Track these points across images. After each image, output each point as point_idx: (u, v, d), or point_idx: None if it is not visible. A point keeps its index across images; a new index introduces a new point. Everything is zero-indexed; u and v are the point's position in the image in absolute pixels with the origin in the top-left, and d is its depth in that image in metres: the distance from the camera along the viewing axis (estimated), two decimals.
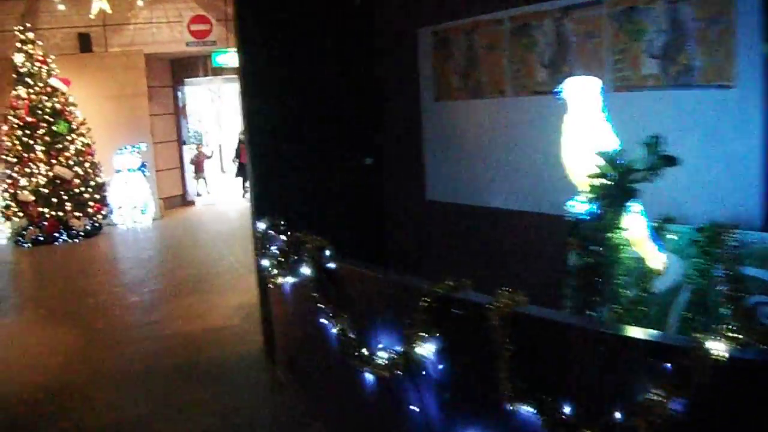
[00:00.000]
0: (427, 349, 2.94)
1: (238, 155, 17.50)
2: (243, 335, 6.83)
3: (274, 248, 4.79)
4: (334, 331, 3.74)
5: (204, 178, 17.98)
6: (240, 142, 17.33)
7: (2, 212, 13.23)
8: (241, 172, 17.16)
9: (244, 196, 16.64)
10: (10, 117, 13.20)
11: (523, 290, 2.60)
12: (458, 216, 6.15)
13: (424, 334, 2.92)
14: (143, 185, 14.45)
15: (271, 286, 5.09)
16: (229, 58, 16.38)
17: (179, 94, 17.35)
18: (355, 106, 6.44)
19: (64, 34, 15.15)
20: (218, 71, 17.06)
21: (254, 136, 5.92)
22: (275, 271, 4.69)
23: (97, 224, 13.79)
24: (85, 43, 15.17)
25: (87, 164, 13.57)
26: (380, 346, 3.40)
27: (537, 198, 5.25)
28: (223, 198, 17.79)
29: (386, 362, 3.24)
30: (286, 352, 5.40)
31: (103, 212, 13.83)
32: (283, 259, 4.52)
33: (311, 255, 4.01)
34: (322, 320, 3.87)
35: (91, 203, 13.47)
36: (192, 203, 17.32)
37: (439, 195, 6.42)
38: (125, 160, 14.30)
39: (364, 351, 3.47)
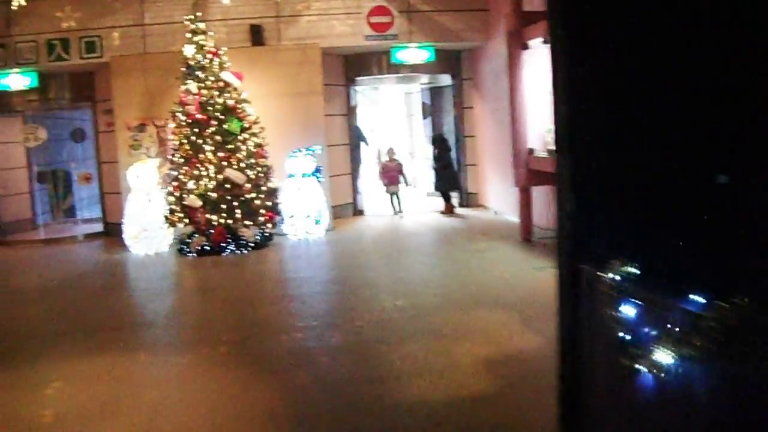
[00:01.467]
0: None
1: (437, 159, 14.97)
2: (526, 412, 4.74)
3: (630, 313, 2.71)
4: None
5: (397, 194, 15.13)
6: (436, 146, 15.17)
7: (166, 217, 11.98)
8: (442, 183, 15.00)
9: (444, 212, 14.86)
10: (178, 113, 11.99)
11: None
12: None
13: None
14: (317, 192, 12.89)
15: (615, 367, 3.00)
16: (411, 54, 14.75)
17: (351, 93, 15.74)
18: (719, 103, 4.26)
19: (234, 26, 13.91)
20: (395, 69, 15.36)
21: (573, 143, 3.81)
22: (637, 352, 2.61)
23: (266, 234, 12.33)
24: (257, 36, 13.86)
25: (259, 167, 12.12)
26: None
27: None
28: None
29: None
30: None
31: (275, 221, 12.30)
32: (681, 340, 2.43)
33: None
34: None
35: (262, 211, 11.97)
36: (361, 213, 15.65)
37: None
38: (299, 163, 12.80)
39: None
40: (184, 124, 11.94)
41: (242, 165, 11.86)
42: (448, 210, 14.80)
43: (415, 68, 15.42)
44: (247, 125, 12.12)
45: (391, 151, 15.45)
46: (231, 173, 11.66)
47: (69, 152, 17.27)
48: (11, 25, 13.57)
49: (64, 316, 8.32)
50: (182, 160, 11.92)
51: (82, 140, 16.66)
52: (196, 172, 11.76)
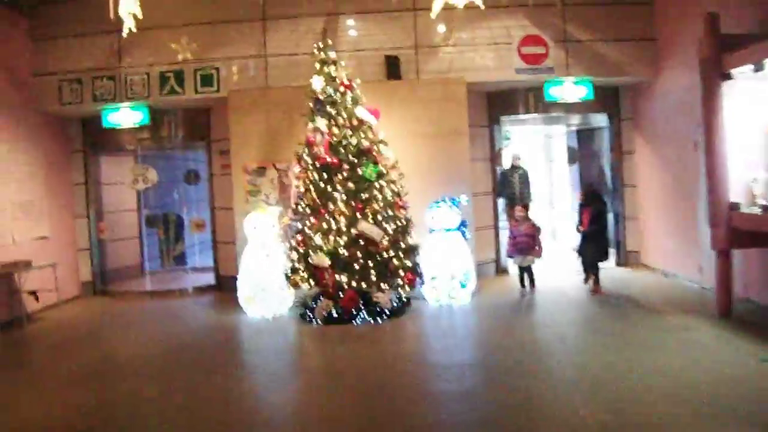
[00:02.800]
0: None
1: (591, 221, 10.96)
2: None
3: None
4: None
5: (529, 269, 11.65)
6: (588, 202, 11.25)
7: (287, 276, 10.22)
8: (593, 252, 11.12)
9: (586, 282, 11.37)
10: (304, 156, 10.26)
11: None
12: None
13: None
14: (463, 250, 10.88)
15: None
16: (566, 90, 12.67)
17: (496, 134, 13.74)
18: None
19: (366, 57, 12.22)
20: (545, 107, 13.30)
21: None
22: None
23: (404, 299, 10.38)
24: (392, 68, 12.11)
25: (398, 221, 10.22)
26: None
27: None
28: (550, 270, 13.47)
29: None
30: None
31: (415, 284, 10.33)
32: None
33: None
34: None
35: (401, 272, 10.04)
36: (506, 272, 13.51)
37: None
38: (442, 216, 10.85)
39: None
40: (310, 168, 10.22)
41: (379, 218, 9.99)
42: (596, 290, 11.04)
43: (569, 107, 13.34)
44: (384, 170, 10.26)
45: (520, 208, 11.89)
46: (366, 227, 9.81)
47: (181, 195, 16.02)
48: (121, 55, 12.29)
49: (161, 404, 6.74)
50: (308, 210, 10.19)
51: (196, 183, 15.33)
52: (324, 225, 9.99)
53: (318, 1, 12.15)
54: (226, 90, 12.22)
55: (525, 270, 11.59)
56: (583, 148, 15.86)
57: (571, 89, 12.85)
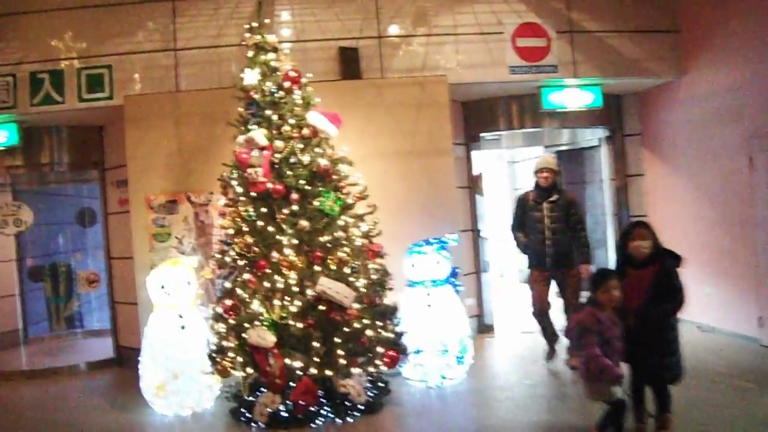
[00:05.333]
0: None
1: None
2: None
3: None
4: None
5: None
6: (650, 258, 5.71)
7: (211, 358, 6.95)
8: (643, 347, 5.56)
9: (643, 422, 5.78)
10: (233, 182, 7.05)
11: None
12: None
13: None
14: (457, 309, 7.83)
15: None
16: (570, 96, 9.79)
17: (472, 155, 10.79)
18: None
19: (315, 49, 9.10)
20: (539, 120, 10.46)
21: None
22: None
23: (382, 383, 7.23)
24: (350, 64, 9.05)
25: (371, 273, 7.05)
26: None
27: None
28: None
29: None
30: None
31: (399, 362, 7.17)
32: None
33: None
34: None
35: (378, 348, 6.86)
36: (490, 329, 10.48)
37: None
38: (427, 264, 7.76)
39: None
40: (242, 199, 7.01)
41: (346, 270, 6.80)
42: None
43: (563, 119, 10.55)
44: (350, 201, 7.13)
45: (614, 283, 7.13)
46: (328, 285, 6.60)
47: (75, 240, 12.78)
48: None
49: None
50: (240, 262, 6.93)
51: (92, 224, 12.00)
52: (265, 284, 6.73)
53: None
54: (121, 96, 8.91)
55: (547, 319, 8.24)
56: (566, 173, 12.95)
57: (574, 95, 10.03)
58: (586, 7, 9.70)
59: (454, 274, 8.01)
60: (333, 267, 6.81)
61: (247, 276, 6.87)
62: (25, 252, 12.19)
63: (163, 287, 7.42)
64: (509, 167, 15.46)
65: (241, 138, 7.12)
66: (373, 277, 7.11)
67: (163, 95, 8.92)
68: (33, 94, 8.96)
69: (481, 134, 10.86)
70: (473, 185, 10.75)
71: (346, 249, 6.94)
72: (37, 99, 8.98)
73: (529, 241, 8.26)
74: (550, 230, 8.07)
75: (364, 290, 6.91)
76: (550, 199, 8.12)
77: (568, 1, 9.67)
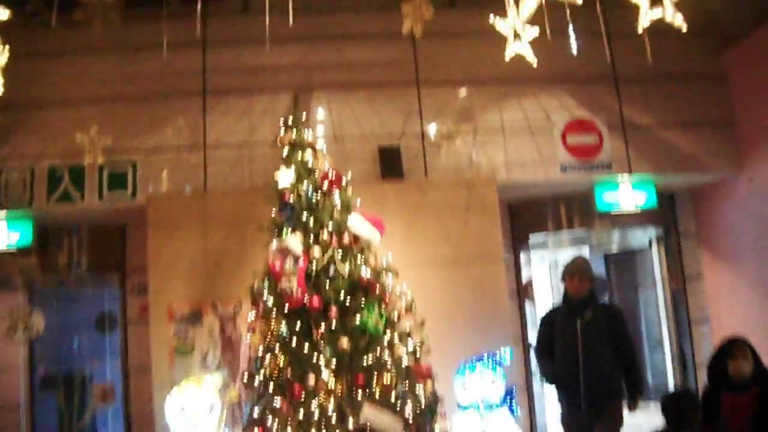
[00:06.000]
0: None
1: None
2: None
3: None
4: None
5: None
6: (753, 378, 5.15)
7: None
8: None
9: None
10: (265, 294, 6.33)
11: None
12: None
13: None
14: None
15: None
16: (625, 196, 9.14)
17: (522, 260, 10.07)
18: None
19: (352, 148, 8.52)
20: (590, 220, 9.76)
21: None
22: None
23: None
24: (390, 163, 8.42)
25: (420, 398, 6.22)
26: None
27: None
28: None
29: None
30: None
31: None
32: None
33: None
34: None
35: None
36: None
37: None
38: (480, 384, 6.90)
39: None
40: (275, 313, 6.23)
41: (392, 397, 5.97)
42: None
43: (615, 220, 9.84)
44: (394, 317, 6.36)
45: None
46: (373, 416, 5.75)
47: (92, 346, 11.64)
48: None
49: None
50: (271, 385, 6.10)
51: (112, 331, 11.31)
52: (301, 410, 5.87)
53: (282, 69, 8.52)
54: (145, 195, 8.33)
55: None
56: (616, 278, 12.19)
57: (629, 194, 9.36)
58: (635, 101, 9.12)
59: (510, 395, 7.13)
60: (377, 393, 5.96)
61: (278, 402, 6.03)
62: (37, 359, 11.37)
63: (182, 409, 6.60)
64: (553, 270, 14.75)
65: (273, 245, 6.41)
66: (422, 401, 6.24)
67: (189, 195, 8.33)
68: (50, 191, 8.43)
69: (530, 236, 10.15)
70: (523, 292, 9.96)
71: (392, 371, 6.10)
72: (56, 195, 8.46)
73: (558, 369, 6.75)
74: (585, 356, 6.45)
75: (413, 419, 6.04)
76: (585, 314, 6.58)
77: (618, 95, 9.08)
